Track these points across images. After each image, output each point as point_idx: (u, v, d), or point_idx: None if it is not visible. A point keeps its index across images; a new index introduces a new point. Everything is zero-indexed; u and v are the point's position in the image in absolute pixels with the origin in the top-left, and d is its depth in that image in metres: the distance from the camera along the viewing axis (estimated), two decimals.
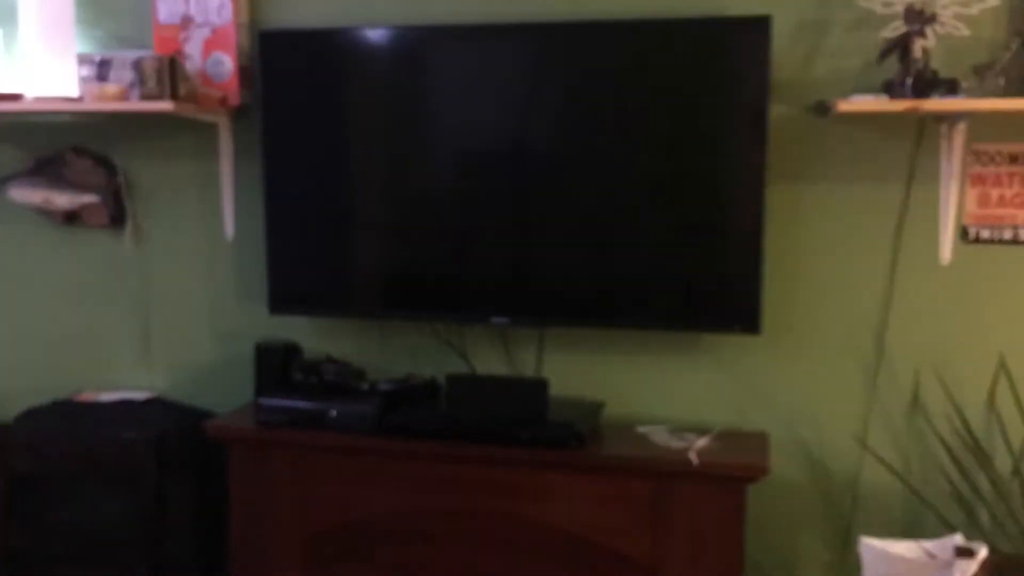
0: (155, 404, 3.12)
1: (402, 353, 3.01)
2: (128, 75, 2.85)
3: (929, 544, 2.42)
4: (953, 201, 2.63)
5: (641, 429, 2.76)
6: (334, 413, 2.70)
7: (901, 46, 2.47)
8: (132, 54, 2.87)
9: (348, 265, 2.93)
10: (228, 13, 2.92)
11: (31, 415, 3.03)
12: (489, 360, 2.96)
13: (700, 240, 2.67)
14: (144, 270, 3.18)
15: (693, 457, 2.51)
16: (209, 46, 2.94)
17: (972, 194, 2.66)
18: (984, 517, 2.66)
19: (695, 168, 2.66)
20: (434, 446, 2.64)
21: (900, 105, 2.44)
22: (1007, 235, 2.65)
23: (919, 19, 2.45)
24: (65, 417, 3.01)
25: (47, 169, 3.16)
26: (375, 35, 2.81)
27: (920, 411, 2.74)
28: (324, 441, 2.70)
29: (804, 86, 2.68)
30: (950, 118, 2.57)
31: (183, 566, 2.93)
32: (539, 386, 2.71)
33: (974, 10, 2.48)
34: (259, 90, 2.89)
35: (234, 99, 2.94)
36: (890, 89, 2.49)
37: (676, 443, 2.62)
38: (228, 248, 3.10)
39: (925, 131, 2.65)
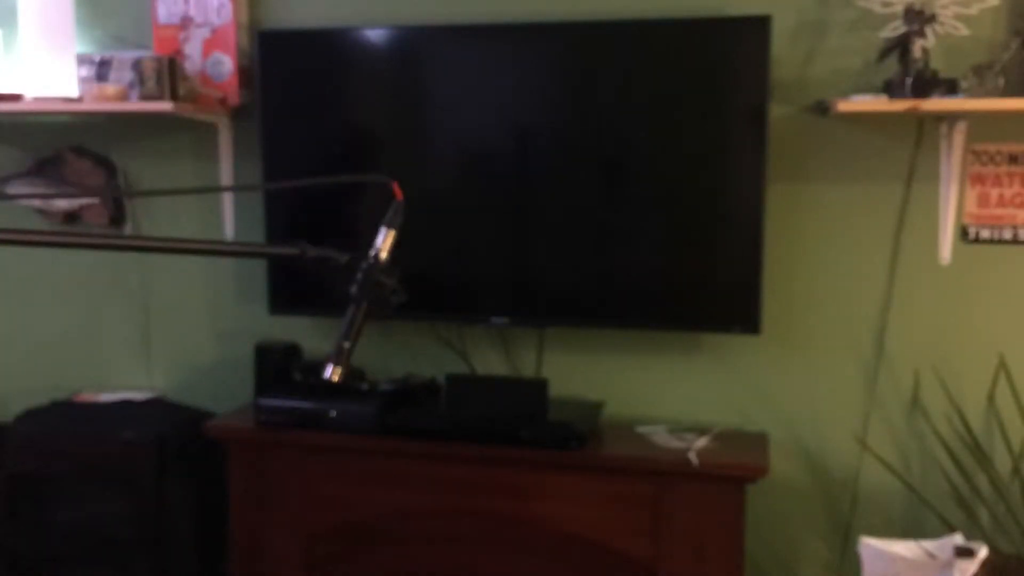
0: (155, 404, 3.12)
1: (402, 353, 3.01)
2: (128, 75, 2.85)
3: (929, 544, 2.42)
4: (953, 201, 2.63)
5: (641, 429, 2.76)
6: (334, 413, 2.70)
7: (901, 46, 2.47)
8: (132, 54, 2.87)
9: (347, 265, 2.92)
10: (228, 13, 2.92)
11: (31, 415, 3.03)
12: (489, 360, 2.96)
13: (700, 240, 2.67)
14: (144, 270, 3.18)
15: (693, 457, 2.51)
16: (209, 46, 2.94)
17: (972, 194, 2.66)
18: (984, 517, 2.66)
19: (695, 168, 2.66)
20: (434, 446, 2.64)
21: (900, 105, 2.44)
22: (1007, 235, 2.65)
23: (919, 19, 2.45)
24: (65, 417, 3.01)
25: (47, 169, 3.16)
26: (375, 35, 2.81)
27: (920, 411, 2.74)
28: (324, 441, 2.70)
29: (804, 86, 2.68)
30: (950, 118, 2.57)
31: (183, 566, 2.93)
32: (539, 386, 2.71)
33: (974, 10, 2.48)
34: (259, 90, 2.89)
35: (234, 99, 2.94)
36: (890, 89, 2.49)
37: (676, 443, 2.62)
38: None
39: (925, 131, 2.65)
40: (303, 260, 1.45)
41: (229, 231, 3.08)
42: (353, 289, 1.46)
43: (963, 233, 2.67)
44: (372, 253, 1.48)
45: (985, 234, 2.66)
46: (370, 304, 1.46)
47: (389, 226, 1.49)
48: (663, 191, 2.69)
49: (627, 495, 2.55)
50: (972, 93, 2.47)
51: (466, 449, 2.62)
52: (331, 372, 1.48)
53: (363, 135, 2.88)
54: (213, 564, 3.00)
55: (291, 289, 2.95)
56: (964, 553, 2.33)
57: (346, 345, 1.46)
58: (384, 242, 1.49)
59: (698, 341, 2.82)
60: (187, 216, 3.12)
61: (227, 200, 3.06)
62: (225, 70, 2.93)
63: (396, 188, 1.47)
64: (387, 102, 2.84)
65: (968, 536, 2.47)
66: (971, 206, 2.66)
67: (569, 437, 2.57)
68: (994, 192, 2.65)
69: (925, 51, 2.47)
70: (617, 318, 2.76)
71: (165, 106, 2.80)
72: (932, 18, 2.46)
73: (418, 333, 2.99)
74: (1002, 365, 2.67)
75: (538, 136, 2.75)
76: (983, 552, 2.33)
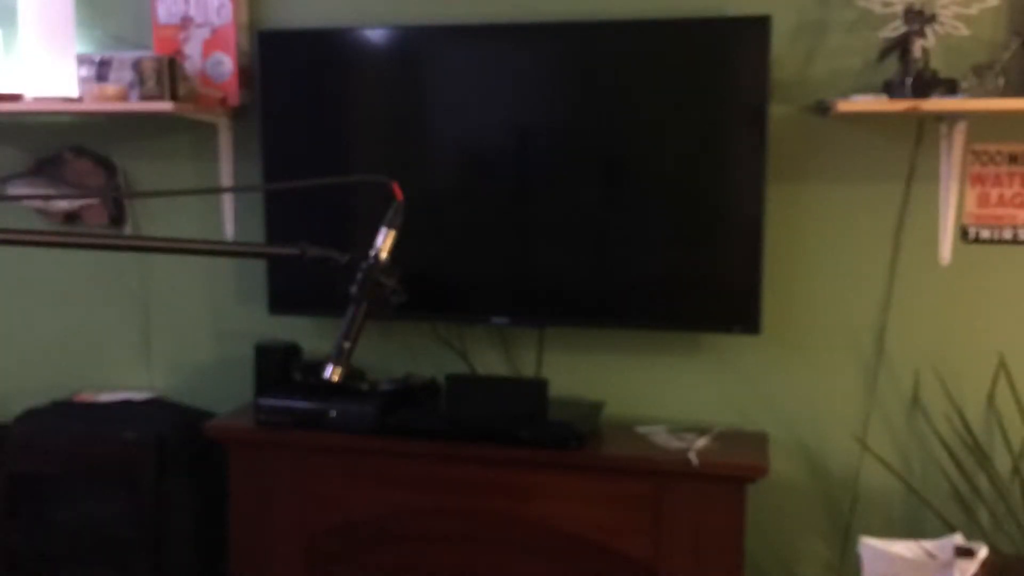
0: (155, 404, 3.12)
1: (402, 353, 3.01)
2: (128, 75, 2.85)
3: (929, 544, 2.42)
4: (953, 201, 2.63)
5: (641, 429, 2.76)
6: (334, 413, 2.70)
7: (901, 46, 2.47)
8: (132, 54, 2.87)
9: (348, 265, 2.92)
10: (228, 13, 2.92)
11: (31, 415, 3.03)
12: (489, 360, 2.96)
13: (700, 240, 2.67)
14: (144, 270, 3.18)
15: (693, 457, 2.51)
16: (209, 46, 2.94)
17: (972, 194, 2.66)
18: (984, 517, 2.66)
19: (695, 168, 2.66)
20: (434, 446, 2.64)
21: (900, 105, 2.44)
22: (1007, 235, 2.65)
23: (919, 19, 2.45)
24: (65, 417, 3.01)
25: (47, 169, 3.16)
26: (375, 35, 2.81)
27: (920, 411, 2.74)
28: (324, 441, 2.70)
29: (804, 86, 2.68)
30: (950, 118, 2.57)
31: (183, 566, 2.93)
32: (539, 386, 2.71)
33: (974, 10, 2.48)
34: (259, 90, 2.89)
35: (234, 99, 2.94)
36: (890, 89, 2.49)
37: (676, 443, 2.62)
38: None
39: (925, 131, 2.65)
40: (303, 260, 1.45)
41: (229, 231, 3.08)
42: (353, 289, 1.47)
43: (963, 233, 2.67)
44: (372, 253, 1.48)
45: (985, 234, 2.66)
46: (370, 304, 1.47)
47: (389, 226, 1.50)
48: (663, 191, 2.69)
49: (627, 495, 2.55)
50: (972, 93, 2.47)
51: (466, 449, 2.62)
52: (331, 372, 1.48)
53: (363, 135, 2.88)
54: (213, 564, 3.00)
55: (291, 289, 2.95)
56: (964, 553, 2.33)
57: (346, 345, 1.46)
58: (384, 242, 1.50)
59: (698, 341, 2.82)
60: (187, 216, 3.12)
61: (227, 200, 3.06)
62: (225, 70, 2.93)
63: (396, 188, 1.47)
64: (387, 102, 2.84)
65: (968, 536, 2.46)
66: (971, 206, 2.66)
67: (569, 437, 2.57)
68: (994, 192, 2.65)
69: (925, 51, 2.47)
70: (617, 318, 2.76)
71: (165, 106, 2.80)
72: (932, 18, 2.46)
73: (418, 333, 2.99)
74: (1002, 365, 2.67)
75: (538, 136, 2.75)
76: (983, 552, 2.33)
